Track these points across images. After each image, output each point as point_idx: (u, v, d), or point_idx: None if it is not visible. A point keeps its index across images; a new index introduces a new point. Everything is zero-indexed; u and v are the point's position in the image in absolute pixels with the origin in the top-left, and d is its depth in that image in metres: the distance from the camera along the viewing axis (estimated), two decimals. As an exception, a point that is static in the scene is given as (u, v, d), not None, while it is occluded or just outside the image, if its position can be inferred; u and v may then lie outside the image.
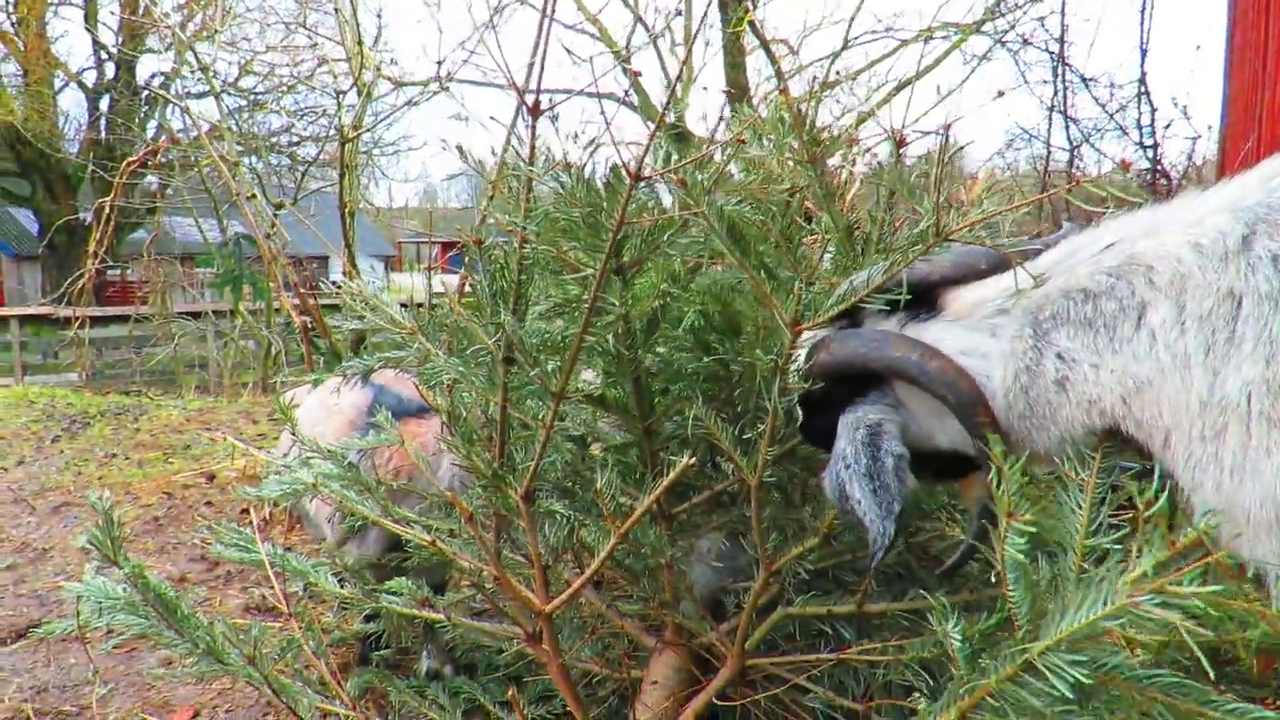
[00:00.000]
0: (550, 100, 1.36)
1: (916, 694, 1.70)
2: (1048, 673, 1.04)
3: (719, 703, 1.93)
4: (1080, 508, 1.14)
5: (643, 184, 1.24)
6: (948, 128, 1.22)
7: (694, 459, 1.37)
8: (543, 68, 1.20)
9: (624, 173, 1.22)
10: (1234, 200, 1.16)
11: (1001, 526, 1.10)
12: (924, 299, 1.39)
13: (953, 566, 1.59)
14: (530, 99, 1.29)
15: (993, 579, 1.84)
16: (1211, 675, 0.98)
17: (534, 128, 1.26)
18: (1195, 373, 1.10)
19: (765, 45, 11.12)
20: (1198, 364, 1.10)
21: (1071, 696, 1.02)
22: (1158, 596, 0.94)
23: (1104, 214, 1.29)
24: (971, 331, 1.32)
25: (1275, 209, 1.11)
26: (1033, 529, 1.07)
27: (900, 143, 1.50)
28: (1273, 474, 1.05)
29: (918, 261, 1.37)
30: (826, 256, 1.76)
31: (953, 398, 1.29)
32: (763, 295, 1.34)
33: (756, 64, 11.66)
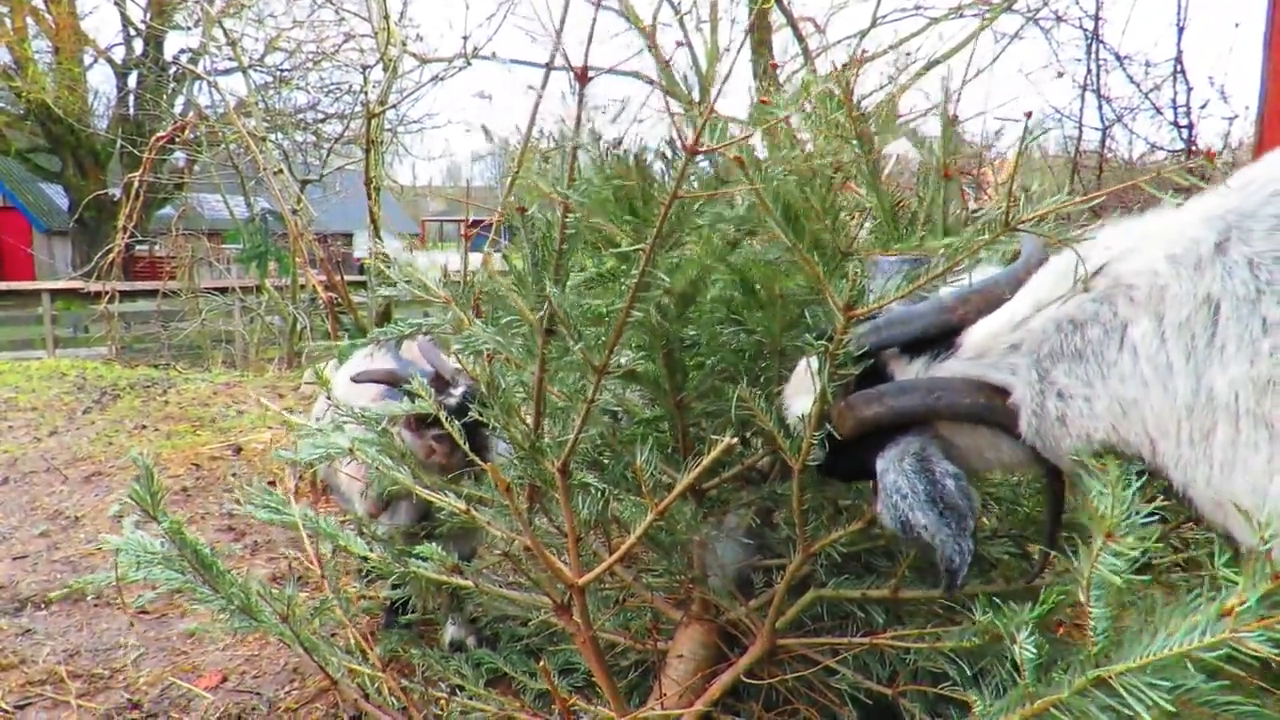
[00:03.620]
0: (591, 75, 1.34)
1: (948, 681, 1.69)
2: (1124, 692, 1.03)
3: (744, 679, 1.93)
4: (1106, 490, 1.14)
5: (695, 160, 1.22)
6: (1029, 115, 1.19)
7: (735, 439, 1.36)
8: (591, 38, 1.18)
9: (679, 146, 1.20)
10: (1208, 209, 1.18)
11: (1096, 544, 1.11)
12: (942, 338, 1.39)
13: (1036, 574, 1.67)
14: (574, 70, 1.27)
15: (1029, 566, 1.85)
16: None
17: (581, 95, 1.24)
18: (1178, 381, 1.14)
19: (792, 23, 10.97)
20: (1180, 371, 1.14)
21: (1146, 718, 1.01)
22: (1264, 632, 0.93)
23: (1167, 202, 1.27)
24: (997, 371, 1.33)
25: (1247, 215, 1.13)
26: (1132, 552, 1.06)
27: (952, 122, 1.47)
28: (1260, 467, 1.08)
29: (951, 302, 1.38)
30: (864, 231, 1.73)
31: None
32: (816, 278, 1.31)
33: (782, 42, 11.53)
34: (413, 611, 2.70)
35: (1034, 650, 1.16)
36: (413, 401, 1.98)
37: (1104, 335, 1.21)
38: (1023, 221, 1.11)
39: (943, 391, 1.34)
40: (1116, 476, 1.13)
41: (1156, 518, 1.13)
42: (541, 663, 1.56)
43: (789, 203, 1.29)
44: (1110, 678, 1.04)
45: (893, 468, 1.35)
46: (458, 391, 2.34)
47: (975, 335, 1.36)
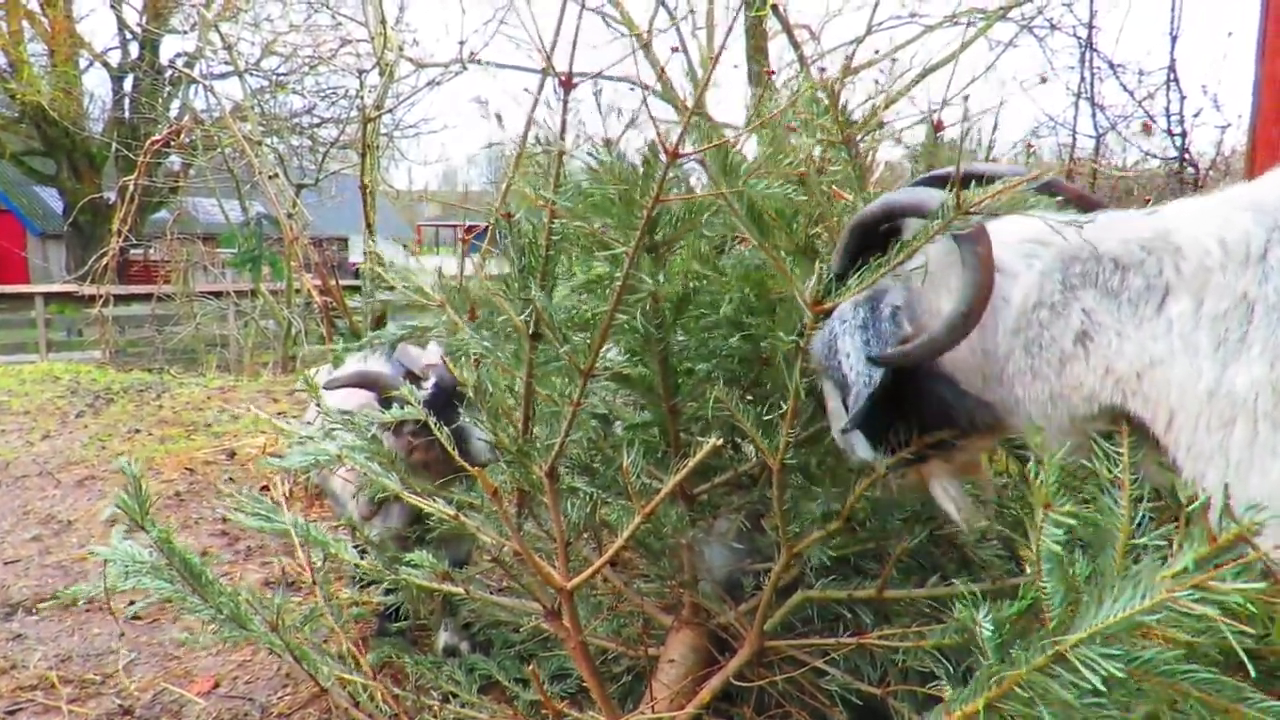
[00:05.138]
0: (574, 80, 1.35)
1: (937, 681, 1.70)
2: (1080, 665, 1.03)
3: (735, 682, 1.94)
4: (1119, 504, 1.14)
5: (678, 164, 1.24)
6: (942, 107, 1.20)
7: (720, 440, 1.37)
8: (575, 44, 1.19)
9: (660, 150, 1.21)
10: (1264, 200, 1.17)
11: (1038, 516, 1.11)
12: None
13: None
14: (560, 76, 1.28)
15: (1016, 568, 1.86)
16: (1253, 672, 0.97)
17: (565, 102, 1.26)
18: (1204, 364, 1.13)
19: (788, 30, 11.00)
20: (1206, 356, 1.13)
21: (1103, 689, 1.01)
22: (1197, 592, 0.93)
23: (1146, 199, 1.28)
24: (1009, 251, 1.31)
25: None
26: (1071, 520, 1.06)
27: (937, 126, 1.48)
28: (1278, 475, 1.07)
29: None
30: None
31: (981, 275, 1.26)
32: (783, 274, 1.33)
33: (778, 49, 11.56)
34: (405, 618, 2.70)
35: (992, 628, 1.16)
36: (387, 406, 2.00)
37: (1145, 289, 1.20)
38: (976, 205, 1.12)
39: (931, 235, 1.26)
40: (1040, 442, 1.13)
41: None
42: (531, 668, 1.56)
43: (754, 203, 1.30)
44: (1066, 651, 1.05)
45: (847, 301, 1.35)
46: (429, 384, 2.38)
47: (1007, 222, 1.32)
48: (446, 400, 2.29)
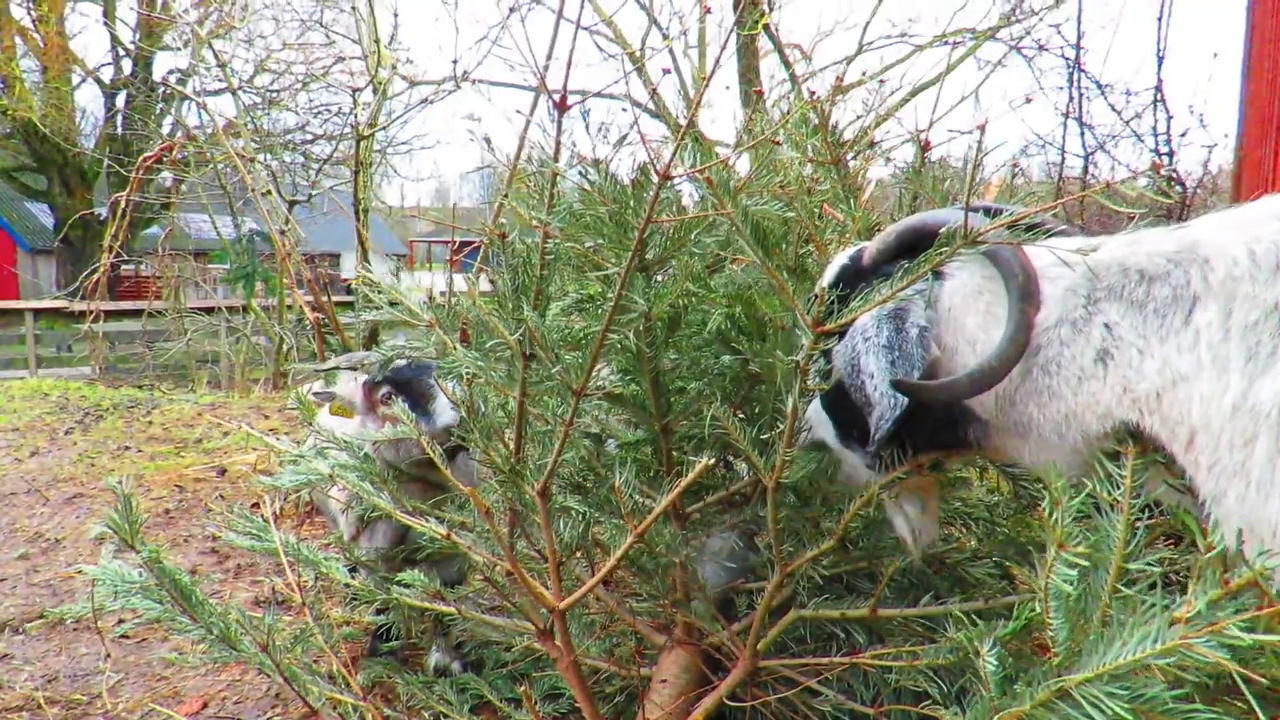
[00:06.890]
0: (568, 100, 1.36)
1: (930, 701, 1.69)
2: (1084, 702, 1.02)
3: (728, 702, 1.93)
4: (1115, 527, 1.13)
5: (668, 184, 1.24)
6: (981, 128, 1.20)
7: (713, 460, 1.37)
8: (569, 65, 1.20)
9: (652, 171, 1.21)
10: None
11: (1050, 555, 1.09)
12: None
13: None
14: (554, 96, 1.29)
15: (1010, 587, 1.86)
16: (1262, 717, 0.96)
17: (559, 123, 1.26)
18: (1233, 378, 1.09)
19: (780, 49, 11.10)
20: (1236, 370, 1.09)
21: None
22: (1213, 638, 0.92)
23: (1130, 216, 1.27)
24: (1041, 277, 1.28)
25: None
26: (1084, 562, 1.06)
27: (925, 146, 1.49)
28: None
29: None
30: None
31: (1023, 276, 1.26)
32: (785, 296, 1.33)
33: (770, 68, 11.66)
34: (397, 638, 2.68)
35: (996, 662, 1.15)
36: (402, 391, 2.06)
37: (1172, 299, 1.16)
38: (983, 233, 1.13)
39: (980, 232, 1.23)
40: (1061, 486, 1.12)
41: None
42: (523, 688, 1.55)
43: (758, 222, 1.31)
44: (1070, 689, 1.04)
45: (870, 314, 1.32)
46: (403, 361, 2.48)
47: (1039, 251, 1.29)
48: (422, 368, 2.40)
